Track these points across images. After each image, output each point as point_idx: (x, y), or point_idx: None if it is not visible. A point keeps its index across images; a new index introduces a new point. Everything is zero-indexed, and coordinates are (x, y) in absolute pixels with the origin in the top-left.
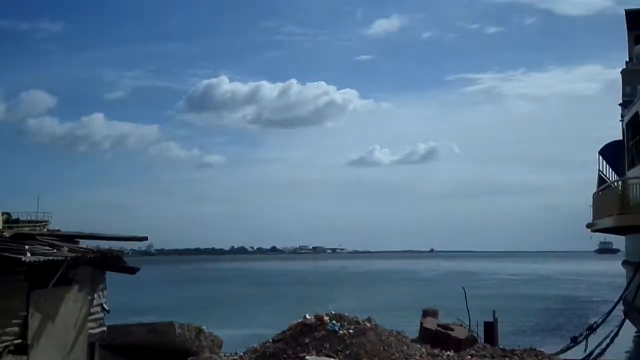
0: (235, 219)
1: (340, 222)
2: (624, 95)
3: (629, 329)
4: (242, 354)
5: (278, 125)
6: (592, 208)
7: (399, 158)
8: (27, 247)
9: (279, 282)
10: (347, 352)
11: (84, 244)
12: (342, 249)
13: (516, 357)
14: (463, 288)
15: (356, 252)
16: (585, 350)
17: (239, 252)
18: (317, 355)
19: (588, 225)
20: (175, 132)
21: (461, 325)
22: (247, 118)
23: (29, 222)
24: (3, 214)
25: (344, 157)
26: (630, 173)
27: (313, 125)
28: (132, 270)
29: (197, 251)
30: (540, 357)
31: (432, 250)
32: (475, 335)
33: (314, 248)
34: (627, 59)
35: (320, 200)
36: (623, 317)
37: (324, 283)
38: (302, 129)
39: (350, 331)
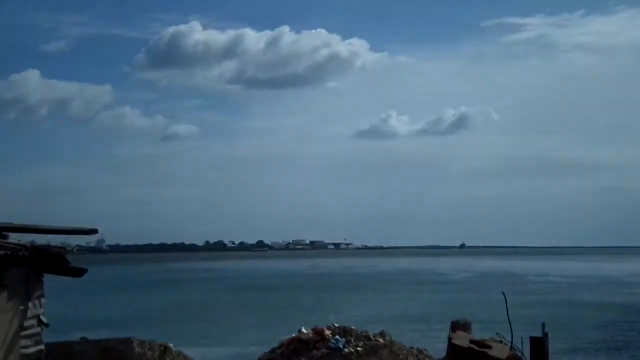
0: (211, 207)
1: (346, 209)
2: None
3: None
4: None
5: (266, 86)
6: None
7: (420, 128)
8: None
9: (267, 286)
10: None
11: (14, 238)
12: (347, 244)
13: None
14: (503, 293)
15: (366, 247)
16: None
17: (216, 248)
18: None
19: None
20: (133, 94)
21: (501, 342)
22: (226, 77)
23: None
24: None
25: (350, 127)
26: None
27: (311, 85)
28: (78, 272)
29: (162, 247)
30: None
31: (462, 246)
32: (520, 355)
33: (311, 243)
34: None
35: (320, 182)
36: None
37: (325, 287)
38: (297, 90)
39: (359, 349)
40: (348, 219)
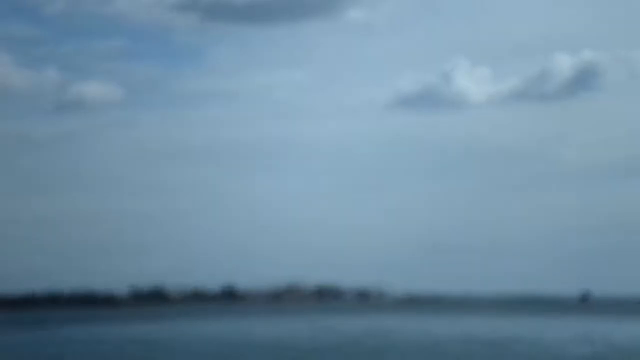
0: (141, 229)
1: (379, 234)
2: None
3: None
4: None
5: (241, 18)
6: None
7: (511, 89)
8: None
9: None
10: None
11: None
12: (381, 292)
13: None
14: None
15: (412, 296)
16: None
17: (150, 298)
18: None
19: None
20: (3, 29)
21: None
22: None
23: None
24: None
25: (386, 89)
26: None
27: (319, 17)
28: None
29: (35, 300)
30: None
31: (585, 297)
32: None
33: (319, 289)
34: None
35: (334, 187)
36: None
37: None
38: (295, 25)
39: None
40: (381, 251)
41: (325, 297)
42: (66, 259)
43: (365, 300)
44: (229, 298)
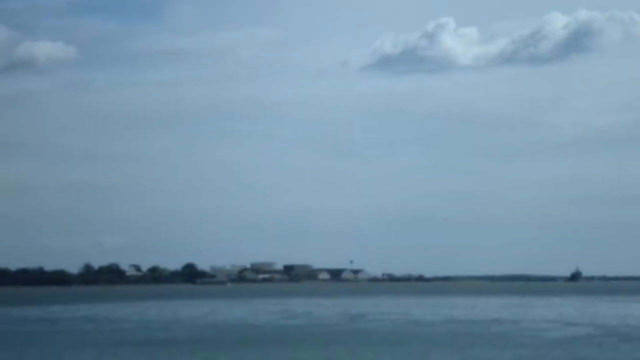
0: (95, 204)
1: (354, 211)
2: None
3: None
4: None
5: None
6: None
7: (500, 50)
8: None
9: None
10: None
11: None
12: (355, 272)
13: None
14: None
15: (390, 277)
16: None
17: (103, 279)
18: None
19: None
20: None
21: None
22: None
23: None
24: None
25: (364, 49)
26: None
27: None
28: None
29: None
30: None
31: (575, 275)
32: None
33: (287, 269)
34: None
35: (304, 159)
36: None
37: (308, 344)
38: None
39: None
40: (357, 227)
41: (295, 277)
42: (12, 234)
43: (338, 280)
44: (190, 277)
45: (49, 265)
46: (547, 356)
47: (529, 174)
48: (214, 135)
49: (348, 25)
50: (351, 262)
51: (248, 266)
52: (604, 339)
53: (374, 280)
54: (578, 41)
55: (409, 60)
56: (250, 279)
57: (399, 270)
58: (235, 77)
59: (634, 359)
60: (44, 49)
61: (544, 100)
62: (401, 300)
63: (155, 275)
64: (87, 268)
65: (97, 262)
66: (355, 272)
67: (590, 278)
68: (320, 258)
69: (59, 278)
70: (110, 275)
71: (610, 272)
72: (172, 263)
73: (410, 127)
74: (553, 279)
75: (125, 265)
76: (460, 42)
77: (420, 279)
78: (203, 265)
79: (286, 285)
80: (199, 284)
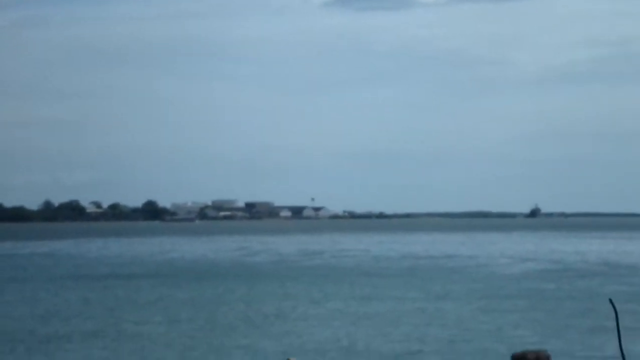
0: (47, 136)
1: (314, 146)
2: None
3: None
4: None
5: None
6: None
7: None
8: None
9: (143, 281)
10: None
11: None
12: (317, 210)
13: None
14: (611, 302)
15: (351, 214)
16: None
17: (64, 215)
18: None
19: None
20: None
21: None
22: None
23: None
24: None
25: None
26: None
27: None
28: None
29: None
30: None
31: (535, 213)
32: None
33: (248, 206)
34: None
35: (264, 94)
36: None
37: (265, 296)
38: None
39: None
40: (318, 165)
41: (256, 214)
42: None
43: (299, 217)
44: (151, 214)
45: (8, 202)
46: (503, 290)
47: (489, 111)
48: (174, 72)
49: None
50: (312, 199)
51: (209, 203)
52: (560, 274)
53: (335, 217)
54: None
55: None
56: (212, 216)
57: (360, 208)
58: (195, 14)
59: (589, 294)
60: None
61: (505, 36)
62: (362, 237)
63: (116, 212)
64: (47, 204)
65: (57, 199)
66: (317, 209)
67: (549, 214)
68: (281, 196)
69: (18, 214)
70: (71, 212)
71: (569, 209)
72: (133, 200)
73: (371, 64)
74: (512, 215)
75: (85, 202)
76: None
77: (381, 216)
78: (164, 202)
79: (247, 222)
80: (167, 221)
